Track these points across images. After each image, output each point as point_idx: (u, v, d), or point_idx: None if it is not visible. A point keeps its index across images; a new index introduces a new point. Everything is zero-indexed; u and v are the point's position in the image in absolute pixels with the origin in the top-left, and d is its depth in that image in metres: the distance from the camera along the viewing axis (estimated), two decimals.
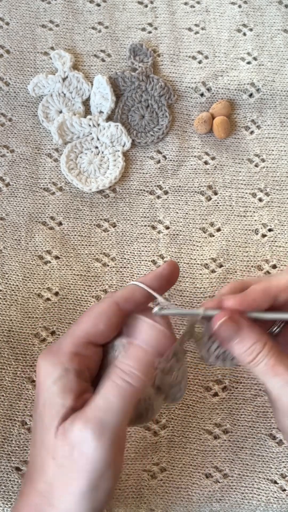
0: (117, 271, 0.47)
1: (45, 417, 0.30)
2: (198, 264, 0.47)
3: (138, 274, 0.47)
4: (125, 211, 0.49)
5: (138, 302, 0.34)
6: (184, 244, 0.48)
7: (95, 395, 0.30)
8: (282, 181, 0.50)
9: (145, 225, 0.48)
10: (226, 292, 0.34)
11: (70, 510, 0.29)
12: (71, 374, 0.31)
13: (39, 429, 0.31)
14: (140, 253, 0.47)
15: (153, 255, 0.47)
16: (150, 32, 0.53)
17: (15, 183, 0.49)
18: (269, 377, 0.31)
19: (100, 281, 0.46)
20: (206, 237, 0.48)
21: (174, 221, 0.48)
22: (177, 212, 0.49)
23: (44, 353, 0.32)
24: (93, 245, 0.47)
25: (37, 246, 0.47)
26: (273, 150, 0.51)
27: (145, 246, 0.48)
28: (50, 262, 0.46)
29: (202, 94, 0.52)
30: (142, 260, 0.47)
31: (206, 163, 0.50)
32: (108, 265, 0.47)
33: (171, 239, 0.48)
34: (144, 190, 0.49)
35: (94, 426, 0.29)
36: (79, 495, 0.29)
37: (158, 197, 0.49)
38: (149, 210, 0.49)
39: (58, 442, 0.29)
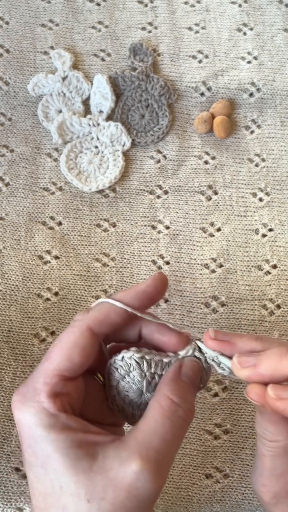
0: (117, 271, 0.47)
1: (56, 463, 0.27)
2: (198, 264, 0.47)
3: (138, 274, 0.46)
4: (125, 211, 0.49)
5: (115, 323, 0.30)
6: (184, 244, 0.48)
7: (142, 427, 0.27)
8: (282, 180, 0.50)
9: (145, 225, 0.48)
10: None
11: None
12: (62, 416, 0.27)
13: (44, 479, 0.27)
14: (140, 253, 0.47)
15: (153, 255, 0.47)
16: (150, 32, 0.53)
17: (14, 182, 0.48)
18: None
19: (100, 281, 0.46)
20: (206, 237, 0.48)
21: (174, 221, 0.48)
22: (177, 212, 0.49)
23: (18, 402, 0.28)
24: (93, 245, 0.47)
25: (36, 246, 0.47)
26: (273, 150, 0.51)
27: (145, 246, 0.47)
28: (50, 262, 0.46)
29: (202, 94, 0.52)
30: (142, 260, 0.47)
31: (206, 162, 0.50)
32: (108, 265, 0.47)
33: (171, 239, 0.48)
34: (144, 190, 0.49)
35: (153, 467, 0.26)
36: None
37: (158, 197, 0.49)
38: (149, 210, 0.49)
39: (97, 481, 0.26)
